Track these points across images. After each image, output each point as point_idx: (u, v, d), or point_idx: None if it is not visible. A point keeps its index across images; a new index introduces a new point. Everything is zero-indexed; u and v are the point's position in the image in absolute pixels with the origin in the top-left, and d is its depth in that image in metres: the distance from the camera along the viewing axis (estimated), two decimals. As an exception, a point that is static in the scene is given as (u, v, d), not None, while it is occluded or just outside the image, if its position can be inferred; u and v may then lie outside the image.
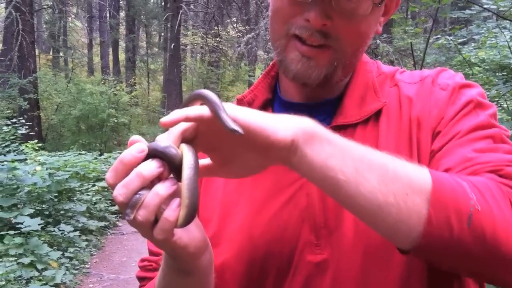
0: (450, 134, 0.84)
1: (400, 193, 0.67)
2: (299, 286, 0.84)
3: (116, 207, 8.67)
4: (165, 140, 0.66)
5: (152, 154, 0.66)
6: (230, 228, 0.85)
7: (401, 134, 0.87)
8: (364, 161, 0.68)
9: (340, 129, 0.87)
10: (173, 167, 0.66)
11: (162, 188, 0.65)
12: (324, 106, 0.94)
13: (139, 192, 0.64)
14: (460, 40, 7.55)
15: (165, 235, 0.67)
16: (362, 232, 0.82)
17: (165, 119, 0.65)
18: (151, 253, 1.01)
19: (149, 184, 0.65)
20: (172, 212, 0.65)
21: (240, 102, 0.98)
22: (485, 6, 5.05)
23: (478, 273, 0.74)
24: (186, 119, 0.66)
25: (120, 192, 0.64)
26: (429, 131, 0.87)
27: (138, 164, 0.65)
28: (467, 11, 5.26)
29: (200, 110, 0.66)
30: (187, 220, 0.66)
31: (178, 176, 0.66)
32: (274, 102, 1.00)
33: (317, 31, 0.85)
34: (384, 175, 0.68)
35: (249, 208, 0.89)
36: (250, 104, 0.98)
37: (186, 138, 0.68)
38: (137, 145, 0.66)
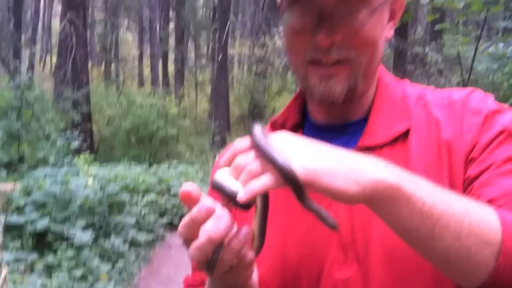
0: (487, 163, 0.84)
1: (473, 248, 0.69)
2: None
3: (164, 220, 8.83)
4: (237, 185, 0.69)
5: (227, 197, 0.69)
6: (265, 246, 0.88)
7: (430, 156, 0.87)
8: (441, 220, 0.69)
9: (366, 150, 0.89)
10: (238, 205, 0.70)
11: (236, 244, 0.69)
12: (351, 127, 0.97)
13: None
14: (511, 48, 7.34)
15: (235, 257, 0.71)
16: (389, 250, 0.84)
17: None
18: (194, 269, 1.06)
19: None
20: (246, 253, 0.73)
21: (273, 124, 1.03)
22: None
23: None
24: (255, 192, 0.67)
25: (195, 254, 0.69)
26: (461, 156, 0.87)
27: (207, 218, 0.68)
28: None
29: (267, 182, 0.67)
30: (259, 250, 0.75)
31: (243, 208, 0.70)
32: (304, 124, 1.03)
33: (329, 50, 0.88)
34: (459, 232, 0.69)
35: (281, 227, 0.93)
36: (282, 126, 1.02)
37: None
38: (205, 204, 0.68)
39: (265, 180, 0.66)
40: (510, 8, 4.80)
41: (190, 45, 31.80)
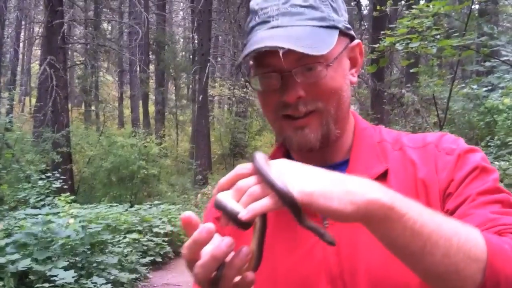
0: (463, 196, 0.92)
1: (461, 264, 0.76)
2: None
3: (147, 259, 8.74)
4: (238, 206, 0.74)
5: (228, 216, 0.74)
6: (257, 279, 0.94)
7: (408, 194, 0.93)
8: (432, 238, 0.75)
9: None
10: (239, 225, 0.74)
11: (238, 261, 0.74)
12: (332, 170, 1.03)
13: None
14: (484, 89, 7.62)
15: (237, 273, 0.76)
16: (375, 280, 0.91)
17: (218, 201, 0.74)
18: None
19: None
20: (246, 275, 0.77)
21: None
22: (504, 59, 5.14)
23: None
24: (254, 214, 0.73)
25: (199, 272, 0.74)
26: (438, 193, 0.95)
27: (209, 240, 0.73)
28: (487, 64, 5.39)
29: (267, 204, 0.73)
30: (257, 267, 0.79)
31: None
32: None
33: (297, 105, 0.97)
34: (448, 249, 0.75)
35: (272, 260, 0.97)
36: None
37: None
38: (207, 226, 0.73)
39: (266, 202, 0.73)
40: (481, 53, 5.05)
41: (171, 87, 32.02)
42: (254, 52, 0.94)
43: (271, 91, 0.99)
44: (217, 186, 0.78)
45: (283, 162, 0.77)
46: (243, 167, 0.78)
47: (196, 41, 23.48)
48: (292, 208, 0.73)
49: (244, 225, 0.73)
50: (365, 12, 23.63)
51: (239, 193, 0.75)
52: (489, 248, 0.78)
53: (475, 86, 7.32)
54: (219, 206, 0.75)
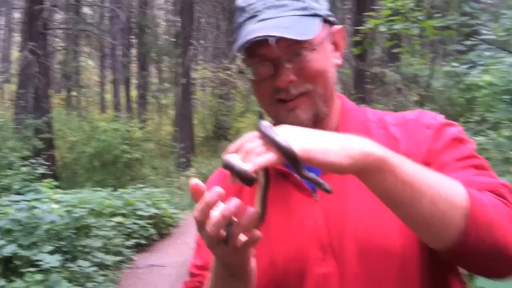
0: (441, 164, 1.05)
1: (446, 211, 0.88)
2: None
3: (131, 242, 8.86)
4: (244, 164, 0.83)
5: (235, 173, 0.83)
6: (256, 248, 1.03)
7: None
8: (421, 189, 0.87)
9: None
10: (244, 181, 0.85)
11: (245, 220, 0.85)
12: None
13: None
14: (465, 66, 7.76)
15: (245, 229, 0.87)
16: (361, 247, 1.02)
17: (228, 160, 0.85)
18: (192, 275, 1.21)
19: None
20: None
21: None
22: (483, 37, 5.27)
23: (485, 268, 0.96)
24: (259, 167, 0.83)
25: (212, 230, 0.84)
26: (419, 163, 1.05)
27: (218, 202, 0.84)
28: (468, 42, 5.50)
29: (270, 158, 0.83)
30: (261, 221, 0.89)
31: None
32: None
33: (289, 88, 1.09)
34: (435, 198, 0.87)
35: (269, 233, 1.06)
36: None
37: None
38: (216, 190, 0.84)
39: (269, 156, 0.83)
40: (462, 32, 5.18)
41: (153, 70, 31.85)
42: (248, 43, 1.04)
43: (264, 79, 1.10)
44: (225, 151, 0.88)
45: (285, 127, 0.88)
46: (249, 134, 0.88)
47: (179, 24, 23.35)
48: (293, 161, 0.82)
49: (249, 181, 0.82)
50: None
51: (245, 154, 0.84)
52: (470, 198, 0.89)
53: (455, 64, 7.46)
54: (227, 165, 0.84)
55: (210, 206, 0.84)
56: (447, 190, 0.89)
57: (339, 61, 1.18)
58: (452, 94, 10.10)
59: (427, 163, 1.02)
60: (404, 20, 4.80)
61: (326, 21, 1.13)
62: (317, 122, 1.12)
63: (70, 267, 6.56)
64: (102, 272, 7.16)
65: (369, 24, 5.14)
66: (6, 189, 9.38)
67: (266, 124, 0.88)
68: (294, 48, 1.06)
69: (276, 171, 1.11)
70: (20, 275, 5.81)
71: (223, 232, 0.86)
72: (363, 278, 1.01)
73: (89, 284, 6.48)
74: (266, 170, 0.88)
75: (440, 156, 1.06)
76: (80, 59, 28.33)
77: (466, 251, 0.90)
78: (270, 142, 0.84)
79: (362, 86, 13.57)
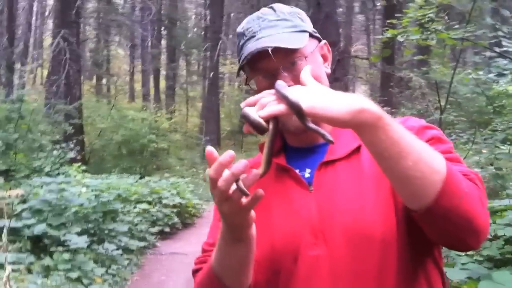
0: None
1: (426, 172, 1.00)
2: (305, 273, 1.18)
3: (155, 229, 9.05)
4: (255, 113, 0.98)
5: (250, 122, 0.98)
6: (258, 233, 1.18)
7: (376, 165, 1.16)
8: (406, 148, 0.99)
9: (328, 164, 1.24)
10: (256, 129, 0.99)
11: (250, 178, 0.98)
12: (318, 148, 1.31)
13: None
14: (492, 74, 7.70)
15: (251, 183, 0.99)
16: (348, 232, 1.15)
17: (248, 103, 1.02)
18: (204, 251, 1.35)
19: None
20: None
21: (261, 146, 1.30)
22: (502, 50, 5.27)
23: (455, 237, 1.08)
24: (270, 115, 0.98)
25: (222, 184, 0.97)
26: None
27: (231, 162, 0.98)
28: (487, 54, 5.50)
29: (280, 108, 0.98)
30: (266, 170, 1.01)
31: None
32: (286, 148, 1.36)
33: None
34: (418, 158, 1.00)
35: (270, 221, 1.24)
36: None
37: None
38: (229, 152, 0.98)
39: (279, 107, 0.99)
40: (478, 45, 5.21)
41: (182, 63, 32.11)
42: (250, 56, 1.21)
43: (267, 88, 1.23)
44: (244, 103, 1.03)
45: (297, 86, 1.02)
46: (267, 91, 1.04)
47: (208, 18, 23.52)
48: (299, 114, 0.96)
49: (261, 130, 0.97)
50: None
51: (261, 106, 1.00)
52: (448, 168, 1.01)
53: (481, 72, 7.42)
54: (244, 115, 0.99)
55: (223, 165, 0.97)
56: (429, 155, 1.02)
57: (328, 70, 1.34)
58: (479, 102, 10.01)
59: None
60: (421, 31, 4.85)
61: (312, 36, 1.31)
62: (315, 123, 1.26)
63: (96, 249, 6.76)
64: (126, 256, 7.35)
65: (388, 33, 5.19)
66: (38, 171, 9.63)
67: (281, 83, 1.02)
68: (289, 59, 1.23)
69: (279, 167, 1.28)
70: (49, 253, 6.03)
71: (231, 191, 0.98)
72: (349, 260, 1.14)
73: (113, 266, 6.67)
74: (276, 123, 1.00)
75: None
76: (111, 48, 28.72)
77: (439, 214, 1.02)
78: (281, 97, 0.98)
79: (388, 89, 13.54)
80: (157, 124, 17.07)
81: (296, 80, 1.19)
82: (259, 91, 1.25)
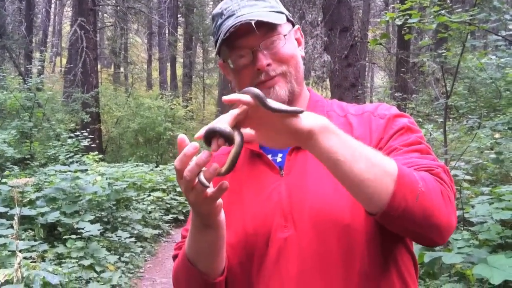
0: (389, 149, 1.21)
1: (378, 174, 1.03)
2: (275, 255, 1.22)
3: (169, 217, 9.10)
4: (224, 123, 0.99)
5: (218, 133, 0.98)
6: (231, 217, 1.23)
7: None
8: (357, 150, 1.03)
9: (300, 149, 1.27)
10: (226, 139, 0.99)
11: (212, 170, 0.99)
12: None
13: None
14: (503, 59, 7.56)
15: (211, 176, 1.00)
16: (316, 216, 1.19)
17: (226, 97, 1.00)
18: (183, 237, 1.37)
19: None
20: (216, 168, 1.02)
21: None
22: (505, 34, 5.18)
23: (417, 233, 1.10)
24: (239, 102, 0.99)
25: (187, 174, 0.99)
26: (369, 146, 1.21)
27: (194, 153, 0.99)
28: (491, 38, 5.44)
29: (247, 98, 1.00)
30: (228, 171, 1.02)
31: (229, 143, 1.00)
32: None
33: (268, 71, 1.29)
34: (369, 161, 1.03)
35: (243, 204, 1.29)
36: None
37: (239, 119, 1.01)
38: (193, 144, 0.99)
39: (246, 96, 0.99)
40: (480, 28, 5.15)
41: (198, 50, 32.12)
42: (233, 28, 1.24)
43: (244, 67, 1.30)
44: (224, 99, 1.03)
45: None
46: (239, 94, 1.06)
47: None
48: (262, 103, 0.99)
49: (229, 141, 0.98)
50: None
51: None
52: (399, 168, 1.04)
53: (493, 57, 7.28)
54: (211, 129, 0.99)
55: (187, 156, 0.99)
56: (380, 159, 1.05)
57: (303, 53, 1.39)
58: (497, 86, 9.84)
59: (378, 148, 1.20)
60: (421, 14, 4.82)
61: (288, 20, 1.36)
62: (293, 100, 1.32)
63: (109, 237, 6.82)
64: (140, 244, 7.41)
65: (386, 17, 5.18)
66: (53, 159, 9.74)
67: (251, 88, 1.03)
68: (268, 36, 1.27)
69: (252, 152, 1.33)
70: (63, 241, 6.10)
71: (195, 182, 1.00)
72: (315, 243, 1.18)
73: (126, 254, 6.73)
74: (242, 135, 1.02)
75: (389, 142, 1.24)
76: (128, 36, 28.79)
77: (396, 215, 1.03)
78: (248, 92, 1.01)
79: (400, 75, 13.39)
80: (173, 112, 17.10)
81: (274, 58, 1.29)
82: (236, 71, 1.32)
